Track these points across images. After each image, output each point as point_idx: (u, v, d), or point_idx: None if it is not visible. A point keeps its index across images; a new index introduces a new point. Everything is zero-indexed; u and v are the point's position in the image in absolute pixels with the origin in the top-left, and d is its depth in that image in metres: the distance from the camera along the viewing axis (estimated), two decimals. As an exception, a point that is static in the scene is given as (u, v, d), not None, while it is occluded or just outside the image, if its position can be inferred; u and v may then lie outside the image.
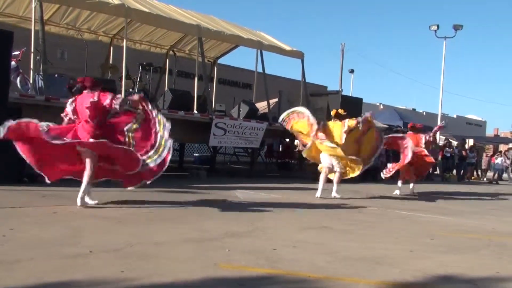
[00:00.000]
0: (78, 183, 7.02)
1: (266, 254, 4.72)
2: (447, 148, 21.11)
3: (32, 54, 10.18)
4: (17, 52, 10.43)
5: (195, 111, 12.76)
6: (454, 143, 24.19)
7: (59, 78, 10.94)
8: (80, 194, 6.75)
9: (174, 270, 3.99)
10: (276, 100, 17.77)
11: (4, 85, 8.93)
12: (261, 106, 15.96)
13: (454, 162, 21.28)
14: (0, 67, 8.78)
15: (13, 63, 9.90)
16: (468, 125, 48.56)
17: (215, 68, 16.72)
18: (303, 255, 4.83)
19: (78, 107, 6.79)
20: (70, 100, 6.96)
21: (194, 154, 20.06)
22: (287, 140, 19.96)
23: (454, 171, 21.64)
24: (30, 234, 4.96)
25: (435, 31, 27.86)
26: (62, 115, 6.97)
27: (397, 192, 11.88)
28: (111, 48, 14.45)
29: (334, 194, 10.05)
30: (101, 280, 3.62)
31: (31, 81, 10.37)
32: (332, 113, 10.56)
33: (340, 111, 10.40)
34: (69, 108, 6.85)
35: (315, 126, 10.08)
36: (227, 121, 13.26)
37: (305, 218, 7.37)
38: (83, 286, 3.50)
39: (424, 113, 42.64)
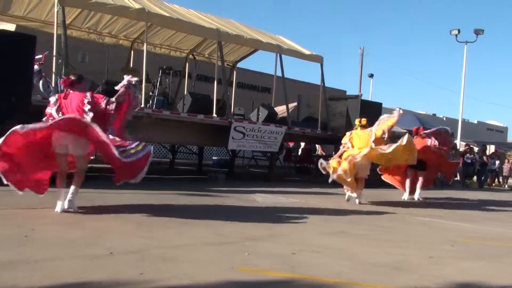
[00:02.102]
0: (99, 185, 7.10)
1: (285, 259, 4.72)
2: (468, 154, 20.85)
3: (54, 58, 10.31)
4: (40, 56, 10.56)
5: (214, 115, 12.80)
6: (476, 149, 23.91)
7: (80, 81, 11.05)
8: (69, 196, 6.44)
9: (192, 273, 4.00)
10: (295, 104, 17.77)
11: (27, 88, 9.06)
12: (280, 110, 15.96)
13: (475, 168, 21.02)
14: (23, 70, 8.90)
15: (36, 66, 10.03)
16: (489, 131, 48.06)
17: (234, 72, 16.76)
18: (322, 260, 4.81)
19: (67, 107, 6.47)
20: (53, 99, 6.61)
21: (213, 158, 20.11)
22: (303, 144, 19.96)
23: (475, 178, 21.38)
24: (51, 235, 5.02)
25: (456, 35, 27.59)
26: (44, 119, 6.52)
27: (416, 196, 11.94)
28: (132, 52, 14.58)
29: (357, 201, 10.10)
30: (120, 281, 3.65)
31: (53, 84, 10.49)
32: (357, 121, 10.54)
33: (363, 121, 10.41)
34: (54, 110, 6.45)
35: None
36: (246, 124, 13.27)
37: (324, 223, 7.34)
38: (103, 287, 3.54)
39: (445, 118, 42.28)
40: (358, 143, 10.13)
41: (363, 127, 10.31)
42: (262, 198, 9.72)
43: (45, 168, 6.61)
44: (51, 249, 4.44)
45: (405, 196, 11.92)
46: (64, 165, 6.56)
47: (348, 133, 10.57)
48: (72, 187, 6.49)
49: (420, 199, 11.94)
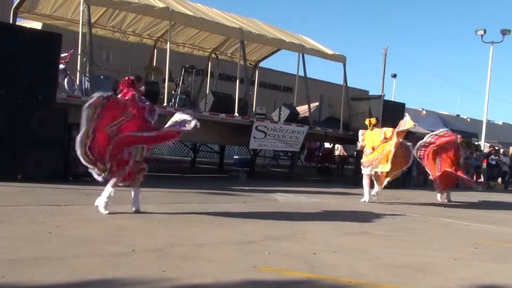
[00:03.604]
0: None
1: (306, 259, 4.70)
2: (493, 156, 20.55)
3: (79, 56, 10.42)
4: (65, 54, 10.69)
5: (236, 114, 12.82)
6: (501, 150, 23.52)
7: (104, 79, 11.19)
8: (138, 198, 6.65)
9: (214, 271, 4.01)
10: (317, 104, 17.69)
11: (53, 86, 9.18)
12: (302, 109, 15.91)
13: (500, 170, 20.71)
14: (49, 68, 9.02)
15: (61, 65, 10.16)
16: (514, 133, 47.20)
17: (257, 71, 16.75)
18: (343, 260, 4.78)
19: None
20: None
21: (234, 157, 20.14)
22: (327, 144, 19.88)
23: (499, 179, 21.05)
24: (75, 232, 5.08)
25: (482, 36, 27.21)
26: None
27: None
28: (155, 50, 14.67)
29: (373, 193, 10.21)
30: (143, 279, 3.67)
31: (77, 82, 10.62)
32: (367, 122, 10.61)
33: (373, 120, 10.50)
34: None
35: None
36: (268, 124, 13.26)
37: (345, 223, 7.29)
38: (126, 284, 3.56)
39: (469, 119, 41.71)
40: (369, 142, 10.27)
41: (374, 126, 10.41)
42: (283, 198, 9.71)
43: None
44: (75, 245, 4.48)
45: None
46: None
47: (361, 132, 10.67)
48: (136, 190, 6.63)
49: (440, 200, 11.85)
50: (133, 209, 6.55)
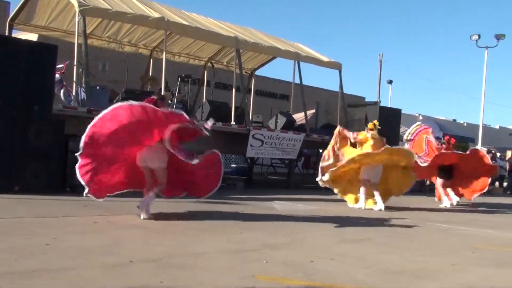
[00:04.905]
0: (118, 194, 7.16)
1: (303, 266, 4.70)
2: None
3: (75, 67, 10.44)
4: (61, 65, 10.72)
5: (232, 122, 12.84)
6: (498, 154, 23.56)
7: (100, 90, 11.21)
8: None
9: (212, 281, 4.01)
10: (313, 111, 17.73)
11: (49, 97, 9.19)
12: (299, 117, 15.93)
13: (497, 174, 20.72)
14: (44, 80, 9.04)
15: (57, 75, 10.18)
16: (511, 136, 47.31)
17: (253, 80, 16.80)
18: (341, 267, 4.78)
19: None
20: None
21: (232, 165, 20.12)
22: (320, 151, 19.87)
23: (497, 183, 21.08)
24: (72, 243, 5.07)
25: (476, 40, 27.35)
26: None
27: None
28: (151, 60, 14.71)
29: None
30: (141, 289, 3.67)
31: (74, 93, 10.63)
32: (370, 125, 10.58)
33: (376, 123, 10.51)
34: None
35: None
36: (265, 132, 13.29)
37: (343, 230, 7.30)
38: (123, 295, 3.56)
39: (465, 124, 41.79)
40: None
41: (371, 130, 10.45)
42: (281, 206, 9.71)
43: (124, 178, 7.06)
44: (73, 257, 4.48)
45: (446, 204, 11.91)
46: (148, 177, 6.94)
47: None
48: (150, 194, 6.95)
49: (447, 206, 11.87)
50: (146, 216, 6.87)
